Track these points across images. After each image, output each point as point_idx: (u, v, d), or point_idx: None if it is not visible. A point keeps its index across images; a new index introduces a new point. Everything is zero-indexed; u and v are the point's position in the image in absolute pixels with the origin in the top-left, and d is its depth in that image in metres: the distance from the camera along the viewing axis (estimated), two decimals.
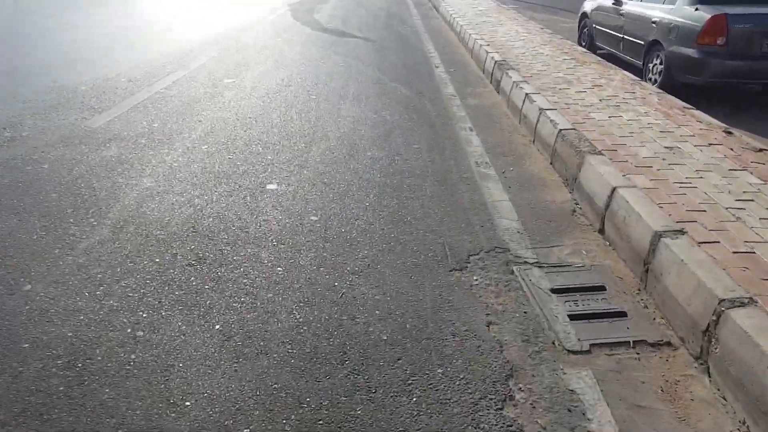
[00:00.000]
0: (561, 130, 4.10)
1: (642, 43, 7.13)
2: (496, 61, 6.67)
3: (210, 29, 10.34)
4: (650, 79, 6.80)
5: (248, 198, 3.53)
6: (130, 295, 2.50)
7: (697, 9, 6.20)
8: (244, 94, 6.07)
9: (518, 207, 3.52)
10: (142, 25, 10.65)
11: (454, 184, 3.87)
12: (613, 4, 8.02)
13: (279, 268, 2.74)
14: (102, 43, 8.62)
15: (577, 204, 3.52)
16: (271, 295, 2.52)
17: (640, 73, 7.00)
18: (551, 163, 4.18)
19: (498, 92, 6.30)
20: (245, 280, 2.63)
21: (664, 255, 2.47)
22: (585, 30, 9.01)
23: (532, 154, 4.52)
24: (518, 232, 3.19)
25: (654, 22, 6.85)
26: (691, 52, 6.16)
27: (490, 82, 6.75)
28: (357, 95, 6.14)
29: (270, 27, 11.03)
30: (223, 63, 7.55)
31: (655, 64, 6.80)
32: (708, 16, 6.01)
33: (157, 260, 2.77)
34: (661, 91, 5.43)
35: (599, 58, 7.17)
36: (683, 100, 5.16)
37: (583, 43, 8.98)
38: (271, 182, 3.79)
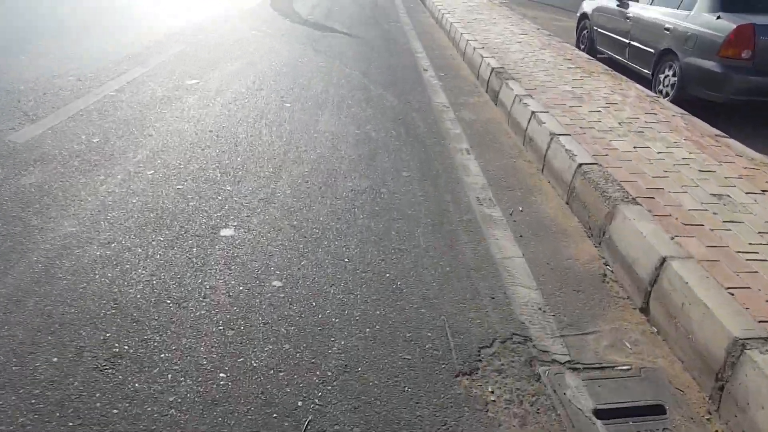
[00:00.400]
0: (581, 164, 3.42)
1: (652, 51, 6.48)
2: (493, 69, 5.97)
3: (180, 19, 9.44)
4: (660, 92, 6.17)
5: (195, 250, 2.78)
6: None
7: (719, 17, 5.56)
8: (207, 100, 5.28)
9: (535, 267, 2.83)
10: (107, 8, 9.70)
11: (452, 231, 3.16)
12: (617, 6, 7.36)
13: (222, 374, 2.00)
14: (55, 29, 7.70)
15: (607, 266, 2.84)
16: (204, 428, 1.78)
17: (648, 83, 6.36)
18: (567, 203, 3.50)
19: (496, 104, 5.61)
20: (171, 398, 1.88)
21: (752, 377, 1.79)
22: (584, 32, 8.35)
23: (542, 187, 3.83)
24: (540, 308, 2.49)
25: (667, 29, 6.20)
26: (710, 65, 5.53)
27: (486, 92, 6.05)
28: (338, 103, 5.39)
29: (247, 18, 10.16)
30: (189, 60, 6.71)
31: (667, 75, 6.16)
32: (732, 25, 5.38)
33: (55, 360, 2.01)
34: (684, 112, 4.77)
35: (607, 68, 6.50)
36: (701, 117, 4.53)
37: (582, 47, 8.33)
38: (226, 225, 3.04)
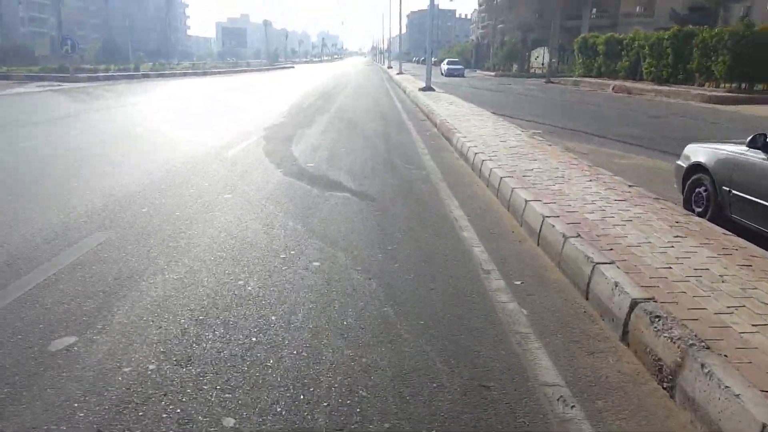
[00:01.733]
0: None
1: None
2: (634, 302, 3.28)
3: (143, 170, 7.14)
4: None
5: None
6: None
7: None
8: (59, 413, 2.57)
9: None
10: (67, 159, 7.42)
11: None
12: None
13: None
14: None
15: None
16: None
17: None
18: None
19: (635, 353, 2.86)
20: None
21: None
22: (701, 190, 5.79)
23: None
24: None
25: None
26: None
27: (621, 339, 3.31)
28: (341, 389, 2.66)
29: (227, 168, 7.86)
30: (88, 278, 4.13)
31: None
32: None
33: None
34: None
35: (756, 248, 3.85)
36: None
37: (699, 209, 5.74)
38: None
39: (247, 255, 4.52)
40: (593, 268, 3.72)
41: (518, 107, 19.29)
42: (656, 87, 27.31)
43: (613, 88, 29.35)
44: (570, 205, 5.19)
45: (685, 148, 6.22)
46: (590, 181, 6.29)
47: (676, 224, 4.60)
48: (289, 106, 18.56)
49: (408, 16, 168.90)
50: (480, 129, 10.98)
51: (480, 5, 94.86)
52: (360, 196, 6.51)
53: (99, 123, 13.33)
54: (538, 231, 4.87)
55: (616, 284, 3.39)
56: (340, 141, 10.77)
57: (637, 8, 59.21)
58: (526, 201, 5.35)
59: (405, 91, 24.90)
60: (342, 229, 5.24)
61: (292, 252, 4.61)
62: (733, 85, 24.80)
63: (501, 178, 6.43)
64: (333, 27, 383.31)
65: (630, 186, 6.12)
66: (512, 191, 5.84)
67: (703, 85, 26.31)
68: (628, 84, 29.52)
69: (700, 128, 14.50)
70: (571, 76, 40.34)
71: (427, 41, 24.50)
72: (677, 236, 4.31)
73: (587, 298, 3.75)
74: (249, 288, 3.90)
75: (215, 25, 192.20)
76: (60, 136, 11.04)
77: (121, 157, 8.74)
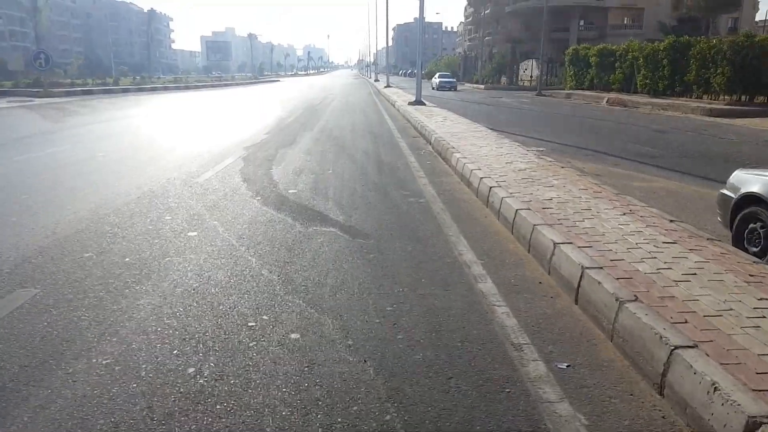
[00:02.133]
0: None
1: None
2: (751, 423, 2.29)
3: (96, 201, 6.07)
4: None
5: None
6: None
7: None
8: None
9: None
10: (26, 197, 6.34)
11: None
12: None
13: None
14: None
15: None
16: None
17: None
18: None
19: None
20: None
21: None
22: (758, 227, 4.84)
23: None
24: None
25: None
26: None
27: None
28: None
29: (197, 197, 6.81)
30: (17, 341, 3.09)
31: None
32: None
33: None
34: None
35: None
36: None
37: (755, 249, 4.79)
38: None
39: (206, 323, 3.47)
40: (671, 354, 2.72)
41: (515, 122, 18.44)
42: (652, 100, 26.68)
43: (607, 101, 28.72)
44: (611, 250, 4.21)
45: (732, 176, 5.29)
46: (624, 215, 5.33)
47: (751, 279, 3.63)
48: (273, 121, 17.57)
49: (393, 29, 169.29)
50: (480, 148, 10.03)
51: (467, 18, 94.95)
52: (350, 233, 5.50)
53: (62, 144, 12.23)
54: (575, 286, 3.87)
55: (715, 387, 2.39)
56: (326, 162, 9.76)
57: (625, 20, 59.26)
58: (555, 244, 4.36)
59: (394, 105, 24.01)
60: (329, 281, 4.21)
61: (265, 318, 3.58)
62: (733, 97, 24.19)
63: (516, 210, 5.45)
64: (319, 40, 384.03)
65: (671, 221, 5.16)
66: (534, 229, 4.86)
67: (701, 98, 25.71)
68: (623, 96, 28.91)
69: (710, 144, 13.70)
70: (561, 89, 39.80)
71: (417, 54, 23.68)
72: (762, 299, 3.33)
73: (662, 394, 2.75)
74: (201, 381, 2.86)
75: (200, 39, 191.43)
76: (4, 162, 9.90)
77: (73, 185, 7.65)
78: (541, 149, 11.04)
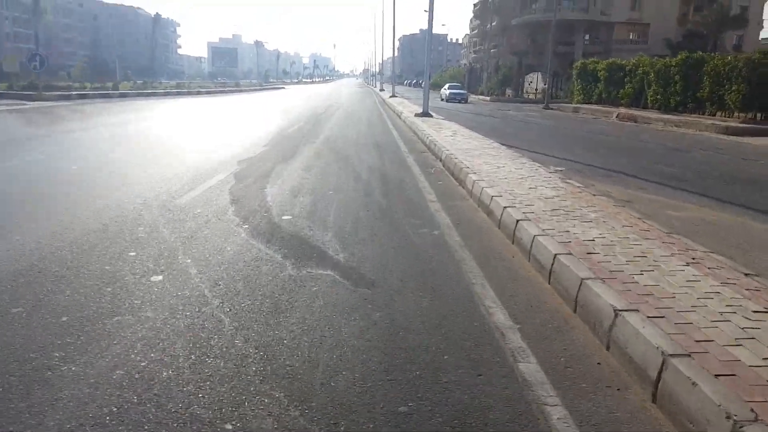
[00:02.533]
0: None
1: None
2: None
3: (51, 230, 5.07)
4: None
5: None
6: None
7: None
8: None
9: None
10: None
11: None
12: None
13: None
14: None
15: None
16: None
17: None
18: None
19: None
20: None
21: None
22: None
23: None
24: None
25: None
26: None
27: None
28: None
29: (172, 225, 5.82)
30: None
31: None
32: None
33: None
34: None
35: None
36: None
37: None
38: None
39: None
40: None
41: (526, 137, 17.48)
42: (663, 116, 25.77)
43: (617, 116, 27.80)
44: (692, 323, 3.20)
45: None
46: (688, 265, 4.32)
47: None
48: (273, 131, 16.63)
49: (399, 39, 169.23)
50: (497, 169, 9.04)
51: (472, 30, 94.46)
52: (351, 279, 4.49)
53: (36, 153, 11.26)
54: (653, 377, 2.85)
55: None
56: (327, 181, 8.78)
57: (631, 35, 58.56)
58: (617, 311, 3.35)
59: (400, 116, 23.09)
60: (323, 358, 3.20)
61: (232, 426, 2.55)
62: (748, 115, 23.26)
63: (555, 255, 4.44)
64: (325, 49, 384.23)
65: (746, 275, 4.14)
66: (582, 284, 3.86)
67: (714, 115, 24.79)
68: (634, 112, 27.98)
69: (735, 165, 12.74)
70: (567, 102, 38.94)
71: (425, 65, 22.84)
72: None
73: None
74: None
75: (206, 45, 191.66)
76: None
77: (32, 206, 6.66)
78: (560, 168, 10.06)
